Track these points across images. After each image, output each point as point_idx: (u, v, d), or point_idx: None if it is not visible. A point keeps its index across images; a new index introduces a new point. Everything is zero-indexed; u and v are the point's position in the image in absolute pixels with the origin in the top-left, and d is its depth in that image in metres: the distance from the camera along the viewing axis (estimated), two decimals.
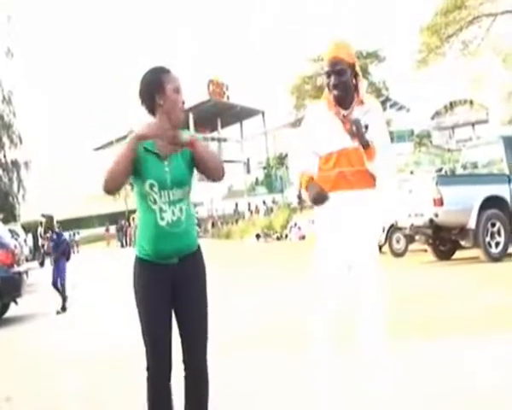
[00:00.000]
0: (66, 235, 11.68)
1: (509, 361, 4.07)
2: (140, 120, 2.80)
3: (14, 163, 38.16)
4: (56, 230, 9.90)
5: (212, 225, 36.27)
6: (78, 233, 40.52)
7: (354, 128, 2.84)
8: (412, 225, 10.50)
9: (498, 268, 8.98)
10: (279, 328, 5.90)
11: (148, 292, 2.66)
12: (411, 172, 17.43)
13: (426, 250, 11.47)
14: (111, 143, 39.53)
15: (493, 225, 9.91)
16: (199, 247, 2.77)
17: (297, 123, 30.52)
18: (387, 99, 39.12)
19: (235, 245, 24.56)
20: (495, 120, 37.04)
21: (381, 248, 11.21)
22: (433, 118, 48.96)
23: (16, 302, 9.38)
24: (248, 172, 47.81)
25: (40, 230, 21.41)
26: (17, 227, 25.94)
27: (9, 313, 9.63)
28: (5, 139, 37.81)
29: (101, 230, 42.14)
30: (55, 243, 9.68)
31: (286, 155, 40.50)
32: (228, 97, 42.62)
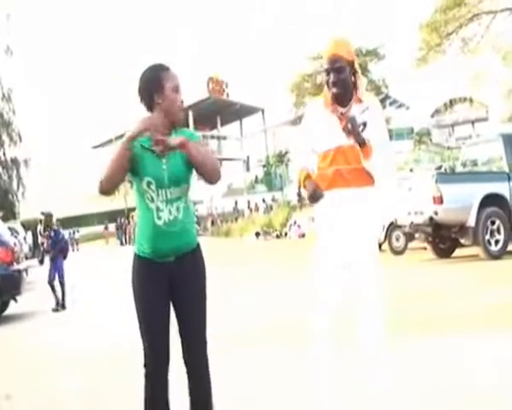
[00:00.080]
0: (65, 233, 11.67)
1: (508, 359, 4.07)
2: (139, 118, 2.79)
3: (14, 161, 38.16)
4: (55, 227, 9.88)
5: (212, 223, 36.28)
6: (78, 231, 40.50)
7: (349, 126, 2.83)
8: (412, 223, 10.50)
9: (498, 266, 8.98)
10: (279, 326, 5.90)
11: (145, 290, 2.67)
12: (411, 170, 17.43)
13: (425, 248, 11.47)
14: (110, 141, 39.49)
15: (493, 222, 9.92)
16: (198, 245, 2.77)
17: (297, 121, 30.53)
18: (387, 97, 39.16)
19: (234, 243, 24.56)
20: (495, 117, 37.07)
21: (380, 246, 11.20)
22: (432, 116, 48.92)
23: (16, 300, 9.38)
24: (248, 170, 47.81)
25: (40, 228, 21.38)
26: (17, 225, 25.94)
27: (9, 311, 9.63)
28: (5, 137, 37.82)
29: (100, 228, 42.12)
30: (53, 241, 9.66)
31: (285, 153, 40.54)
32: (227, 95, 42.58)
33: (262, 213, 33.96)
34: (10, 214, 34.77)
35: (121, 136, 2.68)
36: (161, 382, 2.68)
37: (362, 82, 3.01)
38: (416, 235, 11.06)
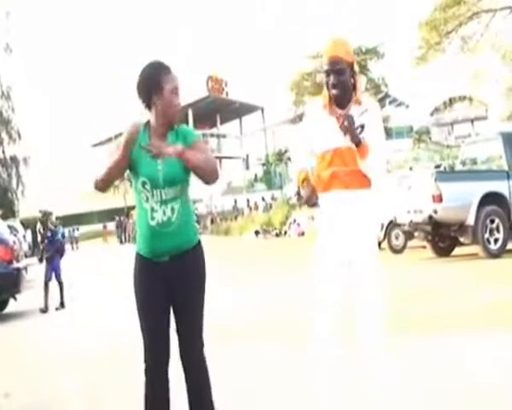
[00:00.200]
0: (65, 231, 11.64)
1: (508, 358, 4.08)
2: (138, 117, 2.79)
3: (13, 159, 38.09)
4: (51, 227, 9.84)
5: (211, 221, 36.24)
6: (78, 229, 40.48)
7: (346, 123, 2.83)
8: (411, 221, 10.51)
9: (497, 265, 8.99)
10: (278, 324, 5.91)
11: (143, 288, 2.70)
12: (410, 169, 17.45)
13: (425, 247, 11.48)
14: (110, 140, 39.46)
15: (492, 221, 9.92)
16: (198, 244, 2.76)
17: (296, 119, 30.52)
18: (386, 95, 39.10)
19: (234, 242, 24.55)
20: (494, 116, 37.07)
21: (379, 244, 11.20)
22: (432, 114, 48.95)
23: (15, 298, 9.38)
24: (247, 168, 47.79)
25: (39, 226, 21.38)
26: (16, 223, 25.91)
27: (8, 309, 9.64)
28: (4, 135, 37.73)
29: (100, 226, 42.10)
30: (50, 241, 9.60)
31: (285, 152, 40.50)
32: (227, 93, 42.54)
33: (261, 211, 33.91)
34: (10, 212, 34.72)
35: (121, 134, 2.68)
36: (161, 378, 2.69)
37: (361, 83, 3.01)
38: (416, 233, 11.06)
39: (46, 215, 10.00)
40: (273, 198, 37.11)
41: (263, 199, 37.46)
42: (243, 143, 47.75)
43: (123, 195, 37.63)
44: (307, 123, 3.09)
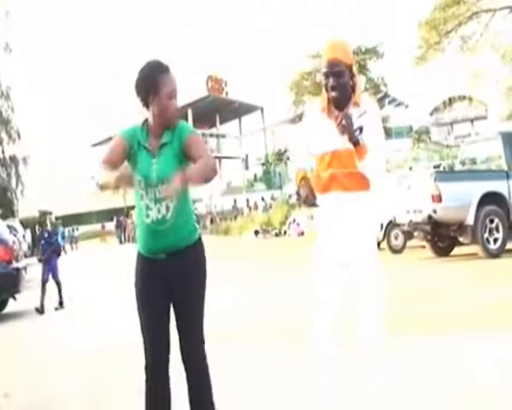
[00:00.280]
0: (65, 231, 11.63)
1: (507, 357, 4.08)
2: (138, 117, 2.80)
3: (13, 159, 38.07)
4: (48, 227, 9.81)
5: (211, 221, 36.23)
6: (77, 229, 40.47)
7: (344, 122, 2.82)
8: (411, 221, 10.51)
9: (497, 264, 8.99)
10: (278, 324, 5.91)
11: (143, 286, 2.71)
12: (410, 169, 17.48)
13: (424, 247, 11.48)
14: (109, 139, 39.35)
15: (491, 221, 9.92)
16: (197, 242, 2.75)
17: (296, 119, 30.48)
18: (386, 95, 39.05)
19: (233, 241, 24.56)
20: (494, 116, 37.04)
21: (379, 244, 11.21)
22: (431, 114, 48.93)
23: (15, 298, 9.38)
24: (247, 168, 47.74)
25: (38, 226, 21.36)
26: (15, 223, 25.88)
27: (8, 309, 9.64)
28: (3, 135, 37.71)
29: (99, 226, 42.10)
30: (46, 242, 9.58)
31: (284, 151, 40.47)
32: (226, 93, 42.51)
33: (261, 211, 33.92)
34: (9, 212, 34.70)
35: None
36: (161, 376, 2.70)
37: (359, 85, 3.01)
38: (415, 233, 11.07)
39: (44, 215, 10.00)
40: (273, 198, 37.12)
41: (262, 199, 37.46)
42: (243, 143, 47.72)
43: (122, 195, 37.57)
44: (306, 124, 3.09)
